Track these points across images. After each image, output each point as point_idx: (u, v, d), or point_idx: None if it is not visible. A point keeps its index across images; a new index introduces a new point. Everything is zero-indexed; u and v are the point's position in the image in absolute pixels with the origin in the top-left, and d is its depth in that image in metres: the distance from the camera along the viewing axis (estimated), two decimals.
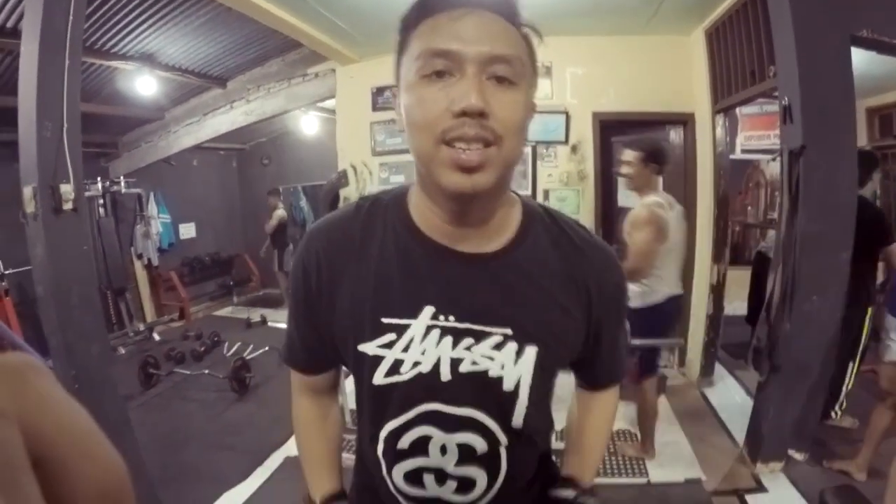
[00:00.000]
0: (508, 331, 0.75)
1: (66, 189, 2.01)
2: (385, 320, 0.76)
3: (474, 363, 0.75)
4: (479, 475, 0.78)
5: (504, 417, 0.77)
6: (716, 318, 4.00)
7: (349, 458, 0.95)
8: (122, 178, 6.26)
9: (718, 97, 3.69)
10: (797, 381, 2.64)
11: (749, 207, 5.58)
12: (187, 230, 7.93)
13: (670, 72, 4.00)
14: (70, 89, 2.04)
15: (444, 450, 0.77)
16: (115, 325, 6.24)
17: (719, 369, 4.16)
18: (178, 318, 7.02)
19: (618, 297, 0.85)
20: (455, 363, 0.75)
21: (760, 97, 3.36)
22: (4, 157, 4.88)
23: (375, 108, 4.57)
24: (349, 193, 4.83)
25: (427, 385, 0.75)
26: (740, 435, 3.10)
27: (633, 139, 3.09)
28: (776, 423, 2.75)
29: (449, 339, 0.75)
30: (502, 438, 0.78)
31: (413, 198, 0.79)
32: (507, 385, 0.76)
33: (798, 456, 2.81)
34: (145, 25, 3.85)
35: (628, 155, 2.82)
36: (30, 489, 0.20)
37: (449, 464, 0.77)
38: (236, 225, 9.01)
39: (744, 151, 5.44)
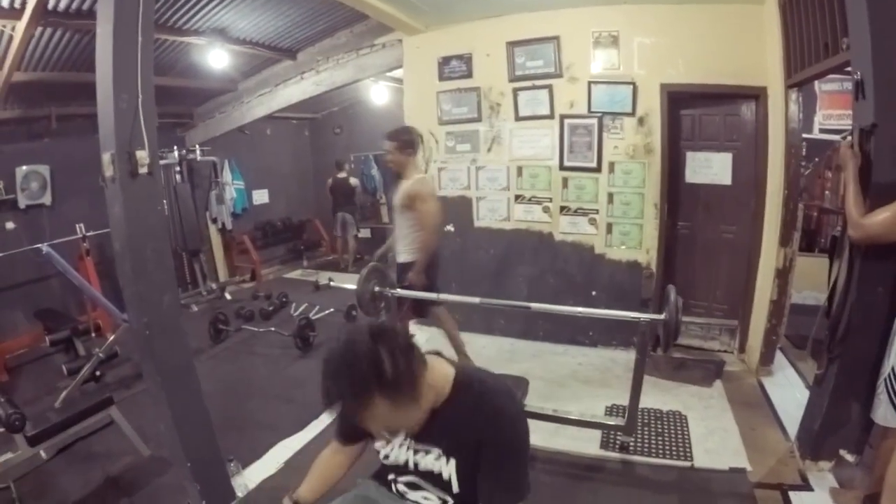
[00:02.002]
0: (440, 450, 1.37)
1: (142, 155, 2.19)
2: None
3: (426, 464, 1.40)
4: None
5: (446, 491, 1.40)
6: (779, 305, 3.80)
7: None
8: (197, 146, 6.64)
9: (792, 71, 3.44)
10: (855, 377, 2.45)
11: (827, 192, 5.19)
12: (260, 196, 8.37)
13: (742, 43, 3.76)
14: (143, 64, 2.19)
15: (415, 499, 1.48)
16: (190, 285, 6.75)
17: (780, 359, 3.99)
18: (250, 279, 7.48)
19: (496, 445, 1.30)
20: (416, 462, 1.42)
21: (833, 72, 3.09)
22: (86, 128, 5.35)
23: (442, 77, 4.63)
24: (416, 162, 4.91)
25: (403, 468, 1.45)
26: (793, 428, 3.01)
27: (390, 132, 3.59)
28: (830, 420, 2.60)
29: (412, 451, 1.42)
30: (447, 498, 1.41)
31: None
32: (445, 476, 1.37)
33: (850, 457, 2.62)
34: (216, 1, 4.04)
35: (388, 145, 3.48)
36: None
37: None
38: (308, 192, 9.39)
39: (822, 131, 5.05)
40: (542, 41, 4.16)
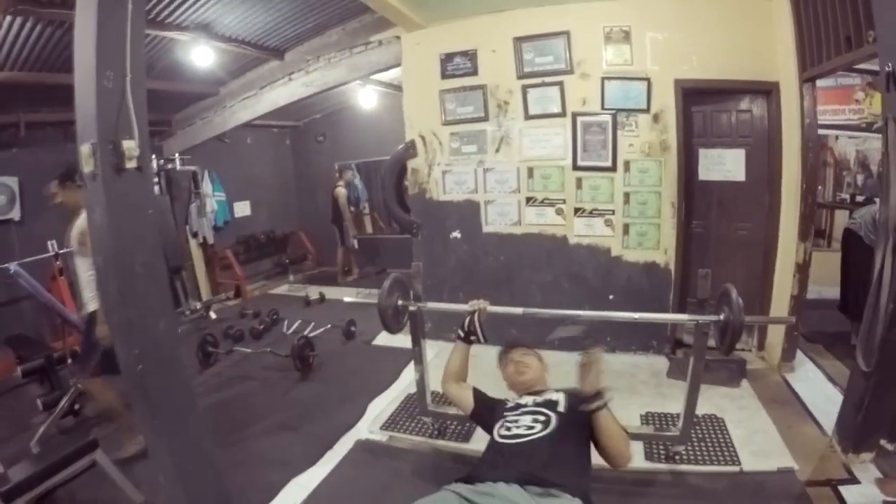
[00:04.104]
0: (554, 391, 2.09)
1: (130, 145, 1.67)
2: None
3: (546, 397, 2.04)
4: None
5: (554, 410, 1.90)
6: (800, 300, 3.54)
7: None
8: (177, 155, 5.99)
9: (808, 65, 3.22)
10: (894, 367, 2.33)
11: (819, 186, 5.04)
12: (242, 208, 7.70)
13: (754, 38, 3.53)
14: (133, 36, 1.68)
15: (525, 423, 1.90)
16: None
17: (798, 354, 3.72)
18: (234, 296, 6.79)
19: None
20: (536, 400, 2.04)
21: (856, 64, 2.95)
22: (58, 137, 4.70)
23: (444, 75, 4.17)
24: (418, 165, 4.45)
25: (521, 406, 2.05)
26: (826, 422, 2.86)
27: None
28: (871, 413, 2.47)
29: (532, 397, 2.08)
30: (553, 415, 1.88)
31: None
32: (559, 401, 1.97)
33: (889, 447, 2.57)
34: None
35: (52, 187, 2.94)
36: None
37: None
38: (291, 203, 8.73)
39: (818, 126, 4.91)
40: (551, 36, 3.78)
